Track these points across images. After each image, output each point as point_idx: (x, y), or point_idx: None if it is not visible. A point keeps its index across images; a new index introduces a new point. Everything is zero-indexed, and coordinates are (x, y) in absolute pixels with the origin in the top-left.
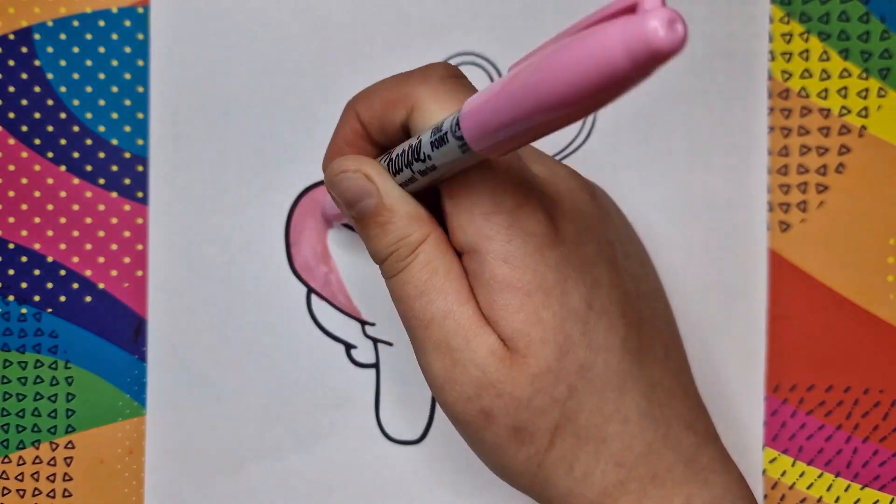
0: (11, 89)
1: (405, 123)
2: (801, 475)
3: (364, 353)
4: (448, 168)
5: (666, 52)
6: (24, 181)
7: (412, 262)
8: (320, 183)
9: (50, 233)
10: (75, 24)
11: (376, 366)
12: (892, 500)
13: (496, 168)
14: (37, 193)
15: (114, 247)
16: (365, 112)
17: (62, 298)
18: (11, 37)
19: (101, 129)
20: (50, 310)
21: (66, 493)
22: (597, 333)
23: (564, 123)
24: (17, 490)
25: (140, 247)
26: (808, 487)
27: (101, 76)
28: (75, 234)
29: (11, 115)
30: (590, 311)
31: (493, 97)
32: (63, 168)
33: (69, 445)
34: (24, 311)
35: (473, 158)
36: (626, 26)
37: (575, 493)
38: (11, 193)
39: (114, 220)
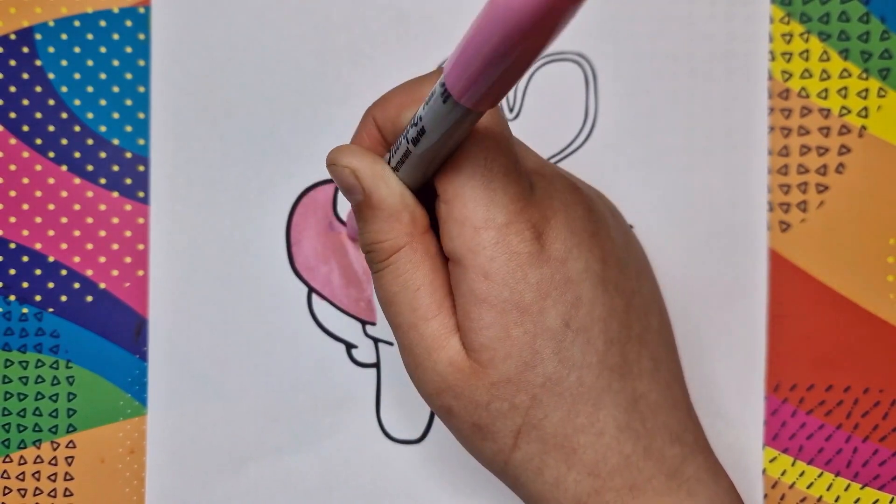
0: (13, 89)
1: None
2: (801, 474)
3: (365, 352)
4: (436, 131)
5: None
6: (26, 181)
7: (384, 270)
8: (321, 183)
9: (51, 232)
10: (76, 24)
11: (377, 365)
12: (892, 499)
13: (492, 181)
14: (38, 193)
15: (115, 246)
16: (380, 116)
17: (63, 298)
18: (13, 37)
19: (103, 128)
20: (51, 309)
21: (68, 493)
22: (572, 350)
23: (527, 56)
24: (19, 489)
25: (141, 246)
26: (809, 487)
27: (103, 76)
28: (76, 233)
29: (13, 115)
30: (566, 330)
31: (463, 40)
32: (64, 168)
33: (70, 445)
34: (25, 310)
35: (458, 113)
36: None
37: (547, 497)
38: (13, 193)
39: (115, 220)
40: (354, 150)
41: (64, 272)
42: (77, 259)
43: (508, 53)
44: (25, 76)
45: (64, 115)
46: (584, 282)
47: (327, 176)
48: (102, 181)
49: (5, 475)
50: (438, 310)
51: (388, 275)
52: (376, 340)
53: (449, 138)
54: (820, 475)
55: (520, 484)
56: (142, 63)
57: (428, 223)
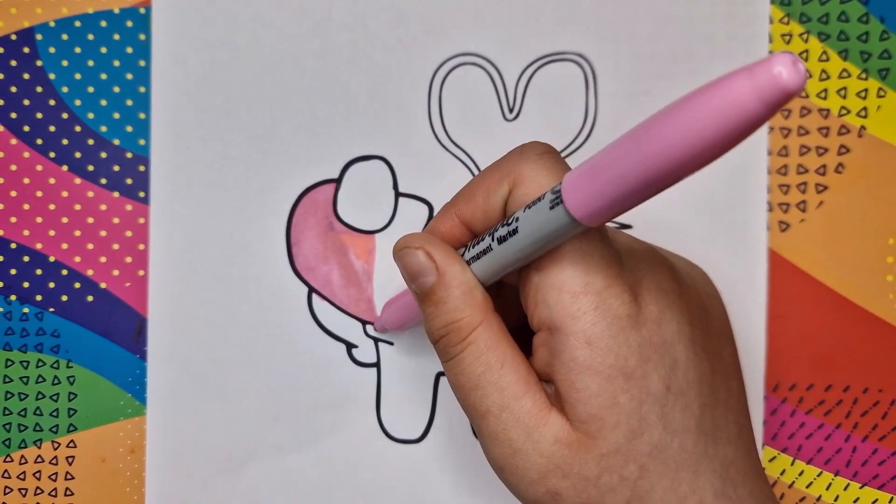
0: (13, 89)
1: (506, 203)
2: (801, 474)
3: (365, 352)
4: (534, 235)
5: (794, 90)
6: (26, 181)
7: (464, 352)
8: (321, 183)
9: (52, 232)
10: (77, 24)
11: (377, 365)
12: (892, 499)
13: (587, 246)
14: (39, 193)
15: (115, 246)
16: (465, 208)
17: (64, 298)
18: (13, 37)
19: (103, 129)
20: (52, 309)
21: (68, 492)
22: (673, 415)
23: (674, 180)
24: (20, 489)
25: (141, 246)
26: (808, 486)
27: (103, 76)
28: (77, 233)
29: (13, 116)
30: (668, 393)
31: (601, 161)
32: (65, 168)
33: (71, 444)
34: (25, 310)
35: (565, 224)
36: (752, 74)
37: None
38: (13, 193)
39: (115, 220)
40: (426, 236)
41: (64, 272)
42: (78, 259)
43: (670, 176)
44: (26, 76)
45: (64, 116)
46: (678, 343)
47: (327, 176)
48: (103, 181)
49: (6, 475)
50: (527, 386)
51: (469, 356)
52: (376, 340)
53: (544, 244)
54: (819, 475)
55: None
56: (142, 63)
57: (493, 304)
